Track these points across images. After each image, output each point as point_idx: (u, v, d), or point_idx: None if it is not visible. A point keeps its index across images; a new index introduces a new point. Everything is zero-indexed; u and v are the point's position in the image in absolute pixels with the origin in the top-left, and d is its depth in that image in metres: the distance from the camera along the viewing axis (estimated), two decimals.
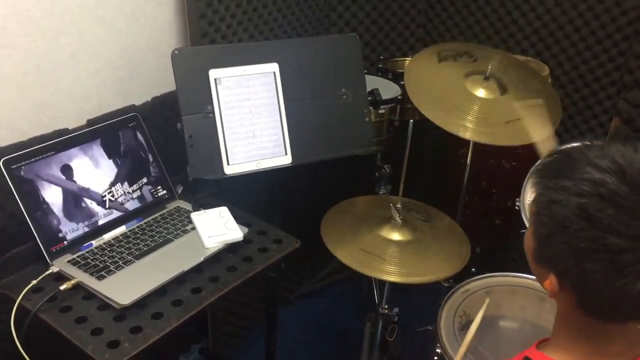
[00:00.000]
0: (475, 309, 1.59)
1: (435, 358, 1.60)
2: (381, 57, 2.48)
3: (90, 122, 1.67)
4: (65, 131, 1.60)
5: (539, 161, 0.88)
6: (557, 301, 0.90)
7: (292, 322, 2.55)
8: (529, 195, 1.86)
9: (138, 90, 1.85)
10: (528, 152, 2.21)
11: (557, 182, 0.80)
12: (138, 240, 1.47)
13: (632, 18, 2.15)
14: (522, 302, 1.70)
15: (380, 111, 2.04)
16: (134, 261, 1.40)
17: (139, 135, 1.63)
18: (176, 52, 1.59)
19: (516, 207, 1.87)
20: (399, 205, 1.69)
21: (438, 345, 1.58)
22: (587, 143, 0.83)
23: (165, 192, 1.64)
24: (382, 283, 1.94)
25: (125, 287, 1.30)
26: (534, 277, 1.73)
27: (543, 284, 0.87)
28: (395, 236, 1.68)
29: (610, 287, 0.76)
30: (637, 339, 0.87)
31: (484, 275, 1.77)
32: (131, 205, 1.57)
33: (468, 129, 1.69)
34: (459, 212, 2.04)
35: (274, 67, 1.68)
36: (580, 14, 2.25)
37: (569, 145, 0.90)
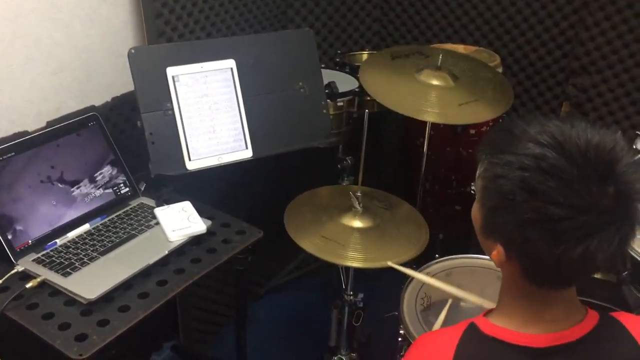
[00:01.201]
0: (436, 292, 1.65)
1: (400, 339, 1.65)
2: (339, 52, 2.53)
3: (50, 124, 1.68)
4: (24, 133, 1.61)
5: (484, 139, 0.94)
6: (502, 271, 0.95)
7: (263, 316, 2.58)
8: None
9: (97, 91, 1.86)
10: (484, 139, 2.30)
11: (502, 157, 0.85)
12: (102, 237, 1.49)
13: (576, 7, 2.24)
14: (482, 282, 1.77)
15: (338, 104, 2.09)
16: (99, 257, 1.42)
17: (100, 134, 1.65)
18: (133, 51, 1.61)
19: (472, 192, 1.94)
20: (358, 194, 1.74)
21: (401, 326, 1.63)
22: (528, 119, 0.89)
23: (128, 189, 1.66)
24: (348, 271, 1.99)
25: (91, 282, 1.33)
26: (487, 257, 1.82)
27: (490, 255, 0.92)
28: (357, 224, 1.73)
29: (551, 254, 0.82)
30: (572, 307, 0.93)
31: (444, 259, 1.83)
32: (94, 203, 1.58)
33: (425, 112, 1.76)
34: (419, 199, 2.11)
35: (230, 63, 1.72)
36: (527, 4, 2.34)
37: (510, 121, 0.96)
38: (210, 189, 1.81)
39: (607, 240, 0.81)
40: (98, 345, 1.19)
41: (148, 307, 1.30)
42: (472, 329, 0.93)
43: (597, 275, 1.90)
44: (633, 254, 1.61)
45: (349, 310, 1.95)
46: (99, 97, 1.86)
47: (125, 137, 1.84)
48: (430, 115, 1.77)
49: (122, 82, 1.91)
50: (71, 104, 1.79)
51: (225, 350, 2.39)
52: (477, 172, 0.94)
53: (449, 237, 2.47)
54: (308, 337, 2.52)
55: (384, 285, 2.32)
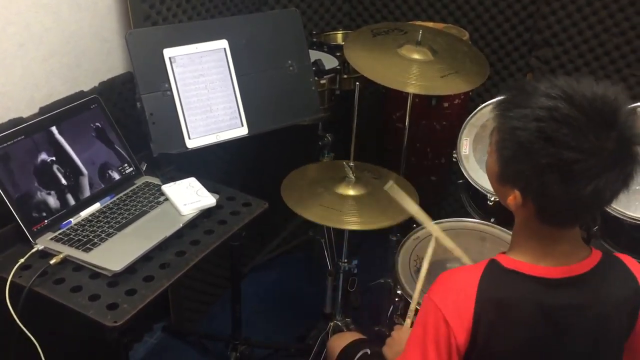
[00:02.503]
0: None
1: (397, 299, 1.76)
2: (314, 32, 2.60)
3: (43, 110, 1.70)
4: (20, 120, 1.63)
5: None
6: (516, 215, 1.06)
7: (250, 293, 2.64)
8: (464, 148, 2.05)
9: (85, 76, 1.88)
10: (456, 112, 2.43)
11: (517, 111, 0.96)
12: (115, 215, 1.53)
13: None
14: (466, 244, 1.88)
15: (322, 81, 2.17)
16: (116, 233, 1.47)
17: (102, 116, 1.68)
18: (130, 33, 1.65)
19: (454, 159, 2.06)
20: (351, 164, 1.83)
21: (398, 287, 1.74)
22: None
23: (132, 169, 1.70)
24: (338, 240, 2.08)
25: (113, 255, 1.37)
26: (473, 219, 1.94)
27: (507, 200, 1.03)
28: (351, 192, 1.83)
29: (566, 193, 0.93)
30: (578, 244, 1.06)
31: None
32: (102, 183, 1.62)
33: (409, 85, 1.86)
34: (402, 169, 2.21)
35: (223, 43, 1.77)
36: None
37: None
38: (201, 167, 1.86)
39: (614, 179, 0.93)
40: (130, 313, 1.24)
41: (171, 275, 1.36)
42: (493, 264, 1.05)
43: None
44: (607, 208, 1.76)
45: (343, 276, 2.04)
46: (87, 82, 1.88)
47: (114, 121, 1.87)
48: (415, 87, 1.87)
49: (107, 67, 1.94)
50: (61, 90, 1.80)
51: (218, 327, 2.45)
52: (491, 128, 1.05)
53: (424, 206, 2.59)
54: (296, 309, 2.61)
55: (365, 254, 2.43)
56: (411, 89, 1.88)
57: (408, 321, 1.43)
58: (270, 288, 2.73)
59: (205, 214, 1.58)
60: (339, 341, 1.65)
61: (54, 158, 1.52)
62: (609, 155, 0.91)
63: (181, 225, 1.50)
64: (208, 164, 1.87)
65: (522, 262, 1.03)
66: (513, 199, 1.01)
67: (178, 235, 1.49)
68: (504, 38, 2.54)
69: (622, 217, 1.73)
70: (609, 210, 1.75)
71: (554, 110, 0.92)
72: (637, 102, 1.90)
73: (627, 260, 1.09)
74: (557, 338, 1.03)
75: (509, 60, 2.57)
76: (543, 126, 0.92)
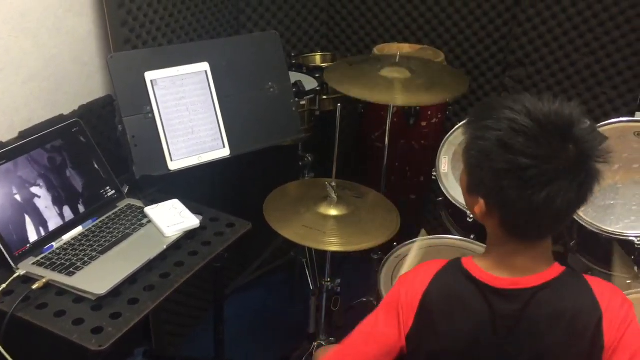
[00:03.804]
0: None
1: None
2: (292, 54, 2.64)
3: (22, 134, 1.69)
4: None
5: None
6: (485, 224, 1.11)
7: (231, 315, 2.62)
8: (443, 166, 2.09)
9: (65, 100, 1.88)
10: (434, 131, 2.48)
11: (482, 123, 1.03)
12: (97, 238, 1.53)
13: (509, 5, 2.45)
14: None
15: (302, 102, 2.19)
16: (99, 256, 1.46)
17: (83, 140, 1.68)
18: (112, 57, 1.66)
19: (433, 177, 2.09)
20: (333, 184, 1.85)
21: None
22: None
23: (114, 192, 1.70)
24: (319, 260, 2.09)
25: (97, 279, 1.36)
26: (453, 236, 1.97)
27: (474, 210, 1.08)
28: (333, 212, 1.84)
29: (521, 198, 0.99)
30: (542, 259, 1.09)
31: (411, 241, 1.97)
32: (84, 207, 1.61)
33: (396, 98, 1.94)
34: (382, 188, 2.24)
35: (205, 66, 1.79)
36: (464, 4, 2.53)
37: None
38: (186, 188, 1.87)
39: (566, 187, 0.98)
40: (115, 336, 1.24)
41: (156, 298, 1.36)
42: (455, 261, 1.12)
43: None
44: (582, 222, 1.80)
45: (326, 296, 2.05)
46: (67, 106, 1.88)
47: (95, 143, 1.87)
48: (402, 99, 1.94)
49: (87, 91, 1.94)
50: (41, 114, 1.80)
51: (199, 350, 2.43)
52: (442, 165, 1.12)
53: (404, 225, 2.62)
54: (280, 329, 2.60)
55: (347, 274, 2.45)
56: (399, 102, 1.95)
57: None
58: (253, 309, 2.72)
59: (189, 236, 1.58)
60: (323, 354, 1.66)
61: (34, 182, 1.51)
62: (563, 164, 0.97)
63: (165, 247, 1.50)
64: (190, 186, 1.87)
65: (479, 267, 1.09)
66: (479, 207, 1.06)
67: (162, 257, 1.49)
68: (479, 59, 2.60)
69: (598, 231, 1.77)
70: (585, 225, 1.79)
71: (512, 121, 0.99)
72: (609, 119, 1.96)
73: (592, 280, 1.09)
74: (495, 346, 1.07)
75: (484, 80, 2.63)
76: (502, 135, 0.99)
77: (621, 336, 1.05)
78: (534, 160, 0.96)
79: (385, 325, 1.12)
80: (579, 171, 0.98)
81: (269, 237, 2.51)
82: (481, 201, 1.05)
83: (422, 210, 2.75)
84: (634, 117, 2.21)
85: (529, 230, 1.05)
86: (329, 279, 2.04)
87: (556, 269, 1.09)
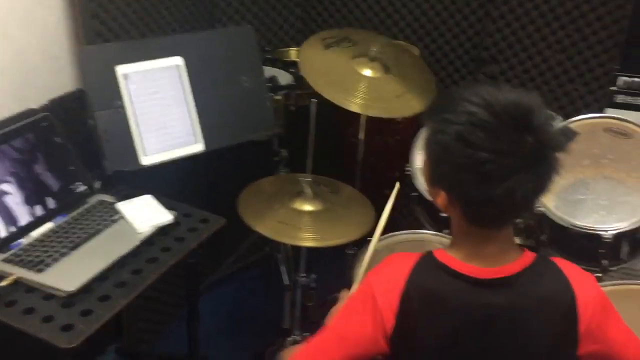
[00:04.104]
0: None
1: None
2: (267, 49, 2.62)
3: None
4: None
5: (428, 108, 1.12)
6: (449, 215, 1.12)
7: (206, 311, 2.60)
8: (417, 162, 2.10)
9: (34, 94, 1.84)
10: (408, 126, 2.48)
11: (442, 116, 1.03)
12: (68, 234, 1.50)
13: (482, 1, 2.47)
14: None
15: (276, 97, 2.18)
16: (70, 252, 1.44)
17: (53, 134, 1.65)
18: (82, 50, 1.63)
19: (407, 172, 2.10)
20: (308, 179, 1.85)
21: None
22: (465, 87, 1.09)
23: (85, 187, 1.67)
24: (295, 255, 2.09)
25: (67, 275, 1.35)
26: (427, 231, 1.98)
27: (437, 201, 1.08)
28: (308, 207, 1.84)
29: (480, 192, 0.99)
30: (509, 247, 1.10)
31: (386, 236, 1.97)
32: (54, 203, 1.59)
33: (360, 105, 1.91)
34: (358, 183, 2.24)
35: (178, 60, 1.77)
36: (439, 0, 2.54)
37: (450, 90, 1.16)
38: (158, 183, 1.85)
39: (525, 180, 0.98)
40: (86, 333, 1.22)
41: (128, 294, 1.34)
42: (429, 255, 1.11)
43: (518, 241, 2.12)
44: (552, 217, 1.83)
45: (301, 291, 2.05)
46: (37, 100, 1.84)
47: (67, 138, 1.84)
48: (374, 109, 1.93)
49: (58, 84, 1.91)
50: (11, 107, 1.76)
51: (172, 348, 2.41)
52: (417, 161, 1.11)
53: (379, 220, 2.63)
54: (254, 326, 2.58)
55: (321, 269, 2.45)
56: (372, 112, 1.94)
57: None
58: (228, 305, 2.71)
59: (162, 232, 1.57)
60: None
61: (2, 177, 1.48)
62: (521, 157, 0.98)
63: (137, 243, 1.49)
64: (164, 181, 1.85)
65: (454, 258, 1.09)
66: (441, 199, 1.07)
67: (134, 253, 1.47)
68: (453, 55, 2.61)
69: (568, 226, 1.79)
70: (555, 220, 1.81)
71: (472, 115, 0.99)
72: (580, 115, 1.98)
73: (563, 264, 1.12)
74: (480, 337, 1.07)
75: (458, 76, 2.64)
76: (461, 130, 0.99)
77: (598, 323, 1.08)
78: (493, 155, 0.96)
79: (359, 326, 1.09)
80: (539, 162, 0.99)
81: (243, 233, 2.50)
82: (442, 193, 1.06)
83: (398, 205, 2.75)
84: (604, 113, 2.24)
85: (490, 220, 1.06)
86: (303, 274, 2.03)
87: (529, 256, 1.10)
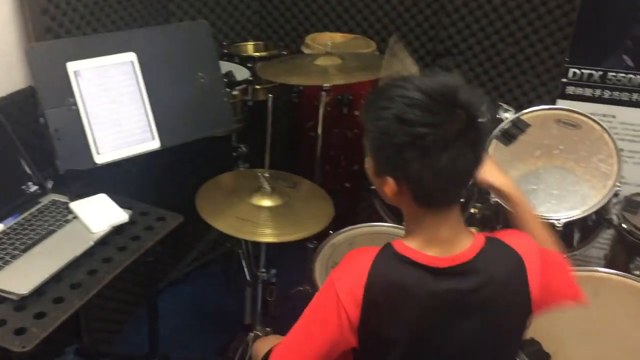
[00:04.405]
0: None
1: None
2: (224, 43, 2.60)
3: None
4: None
5: (363, 104, 1.14)
6: (399, 204, 1.14)
7: (166, 309, 2.59)
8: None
9: None
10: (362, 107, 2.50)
11: (377, 105, 1.07)
12: (20, 235, 1.47)
13: None
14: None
15: (234, 93, 2.17)
16: (22, 254, 1.41)
17: (2, 133, 1.60)
18: (31, 47, 1.59)
19: (365, 167, 2.11)
20: (266, 174, 1.84)
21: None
22: (390, 78, 1.13)
23: (37, 187, 1.64)
24: (255, 251, 2.08)
25: (19, 278, 1.32)
26: (386, 224, 2.00)
27: (385, 191, 1.10)
28: (266, 202, 1.84)
29: (425, 167, 1.03)
30: (460, 230, 1.13)
31: (344, 230, 1.99)
32: (4, 203, 1.55)
33: (330, 78, 1.94)
34: (316, 177, 2.25)
35: (131, 56, 1.74)
36: None
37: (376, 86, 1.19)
38: (115, 181, 1.82)
39: (462, 148, 1.03)
40: (40, 337, 1.20)
41: (83, 295, 1.32)
42: (388, 247, 1.12)
43: (474, 230, 2.16)
44: (507, 207, 1.87)
45: (262, 286, 2.05)
46: None
47: (16, 137, 1.79)
48: (337, 78, 1.94)
49: (8, 82, 1.85)
50: None
51: (132, 347, 2.38)
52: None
53: (339, 213, 2.65)
54: (216, 322, 2.57)
55: (283, 264, 2.45)
56: (334, 81, 1.96)
57: None
58: (189, 302, 2.69)
59: (117, 231, 1.55)
60: (264, 345, 1.66)
61: None
62: (456, 128, 1.03)
63: (92, 243, 1.46)
64: (119, 179, 1.82)
65: (412, 248, 1.10)
66: (389, 187, 1.09)
67: (89, 253, 1.45)
68: (409, 48, 2.63)
69: None
70: (510, 210, 1.85)
71: (405, 97, 1.04)
72: (532, 107, 2.03)
73: (507, 237, 1.17)
74: (446, 324, 1.10)
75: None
76: (397, 112, 1.04)
77: (547, 282, 1.15)
78: (430, 128, 1.01)
79: (326, 325, 1.10)
80: (470, 131, 1.04)
81: (204, 229, 2.49)
82: (390, 180, 1.08)
83: (357, 197, 2.78)
84: (555, 104, 2.30)
85: (438, 197, 1.09)
86: (263, 270, 2.04)
87: (480, 239, 1.13)
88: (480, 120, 1.06)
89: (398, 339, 1.10)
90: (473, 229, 2.11)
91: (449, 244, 1.11)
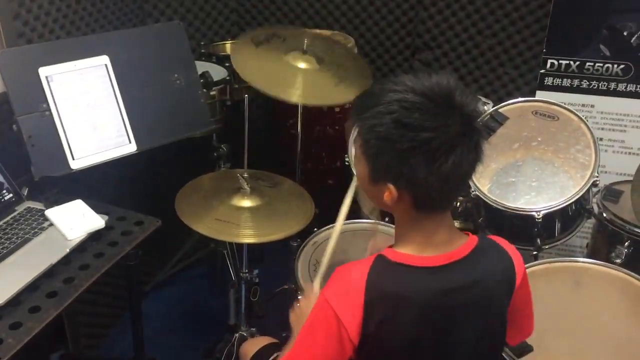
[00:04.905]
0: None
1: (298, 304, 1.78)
2: (202, 43, 2.58)
3: None
4: None
5: (352, 108, 1.12)
6: (395, 210, 1.12)
7: (152, 312, 2.57)
8: (354, 151, 2.11)
9: None
10: (348, 116, 2.49)
11: (372, 111, 1.04)
12: None
13: None
14: (362, 244, 1.94)
15: (211, 93, 2.16)
16: None
17: None
18: (1, 53, 1.57)
19: (346, 163, 2.11)
20: (245, 175, 1.83)
21: (299, 292, 1.76)
22: (380, 81, 1.10)
23: (11, 195, 1.62)
24: (239, 251, 2.07)
25: None
26: (368, 220, 1.99)
27: (382, 199, 1.07)
28: (246, 203, 1.82)
29: (431, 172, 1.01)
30: (454, 232, 1.13)
31: (326, 227, 1.98)
32: None
33: (299, 96, 1.90)
34: (297, 176, 2.24)
35: (104, 59, 1.73)
36: None
37: (367, 88, 1.19)
38: (93, 186, 1.80)
39: (466, 149, 1.02)
40: (16, 347, 1.18)
41: (59, 304, 1.31)
42: (380, 258, 1.10)
43: (457, 225, 2.17)
44: (487, 200, 1.87)
45: (245, 287, 2.04)
46: None
47: None
48: (308, 98, 1.92)
49: None
50: None
51: (118, 351, 2.37)
52: (353, 136, 1.10)
53: (323, 210, 2.65)
54: (202, 323, 2.57)
55: (269, 263, 2.45)
56: (311, 101, 1.96)
57: (317, 285, 1.43)
58: (175, 304, 2.68)
59: (94, 237, 1.53)
60: (251, 346, 1.65)
61: None
62: (457, 129, 1.01)
63: (68, 250, 1.45)
64: (96, 184, 1.81)
65: (407, 254, 1.09)
66: (389, 194, 1.06)
67: (65, 261, 1.44)
68: (388, 42, 2.64)
69: (501, 207, 1.84)
70: (490, 203, 1.86)
71: (402, 101, 1.01)
72: (511, 98, 2.03)
73: (500, 241, 1.19)
74: (448, 321, 1.09)
75: (394, 63, 2.67)
76: (397, 116, 1.00)
77: (519, 293, 1.17)
78: (434, 132, 0.99)
79: (326, 345, 1.07)
80: (471, 132, 1.03)
81: (188, 231, 2.47)
82: (390, 187, 1.05)
83: (340, 194, 2.77)
84: (534, 95, 2.30)
85: (440, 201, 1.08)
86: (246, 270, 2.03)
87: (473, 238, 1.14)
88: (477, 121, 1.05)
89: (400, 346, 1.09)
90: (456, 223, 2.14)
91: (444, 245, 1.10)
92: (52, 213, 1.56)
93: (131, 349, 1.99)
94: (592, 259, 1.75)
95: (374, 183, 1.09)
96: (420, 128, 0.99)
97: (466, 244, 1.11)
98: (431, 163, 1.00)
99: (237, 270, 2.06)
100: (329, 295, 1.07)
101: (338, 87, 1.97)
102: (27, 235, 1.50)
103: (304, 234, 1.98)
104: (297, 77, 1.95)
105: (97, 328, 2.42)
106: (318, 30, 2.63)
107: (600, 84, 2.24)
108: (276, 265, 2.38)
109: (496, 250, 1.16)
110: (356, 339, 1.06)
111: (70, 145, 1.64)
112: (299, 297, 1.68)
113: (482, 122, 1.92)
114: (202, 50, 2.50)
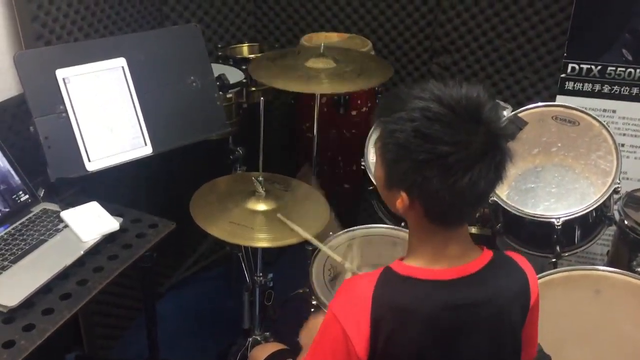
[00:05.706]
0: (340, 264, 1.78)
1: (312, 310, 1.76)
2: (219, 46, 2.59)
3: None
4: None
5: (376, 108, 1.09)
6: (408, 218, 1.10)
7: (168, 313, 2.58)
8: (371, 155, 2.09)
9: None
10: (364, 120, 2.48)
11: (394, 116, 1.01)
12: (10, 246, 1.45)
13: None
14: (379, 250, 1.93)
15: (228, 95, 2.15)
16: (11, 265, 1.39)
17: None
18: (19, 55, 1.58)
19: (362, 167, 2.10)
20: (260, 178, 1.82)
21: (313, 297, 1.75)
22: (409, 85, 1.08)
23: (27, 196, 1.62)
24: (254, 255, 2.07)
25: (8, 290, 1.30)
26: (384, 225, 1.98)
27: (395, 204, 1.06)
28: (261, 207, 1.81)
29: (445, 187, 0.98)
30: (468, 245, 1.10)
31: (342, 232, 1.97)
32: None
33: (321, 87, 1.94)
34: (313, 180, 2.23)
35: (121, 61, 1.73)
36: None
37: (395, 90, 1.13)
38: (108, 188, 1.80)
39: (486, 168, 0.98)
40: (28, 350, 1.18)
41: (72, 306, 1.31)
42: (388, 271, 1.08)
43: (474, 230, 2.14)
44: (505, 206, 1.84)
45: (259, 291, 2.03)
46: None
47: (8, 145, 1.78)
48: (325, 87, 1.93)
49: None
50: None
51: (133, 353, 2.37)
52: (375, 137, 1.08)
53: (339, 214, 2.63)
54: (217, 326, 2.57)
55: (283, 266, 2.43)
56: (324, 90, 1.95)
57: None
58: (189, 306, 2.68)
59: (108, 239, 1.53)
60: (261, 352, 1.64)
61: None
62: (479, 147, 0.97)
63: (82, 252, 1.45)
64: (112, 186, 1.81)
65: (417, 267, 1.07)
66: (401, 201, 1.04)
67: (79, 263, 1.44)
68: (406, 46, 2.61)
69: (520, 214, 1.81)
70: (508, 209, 1.83)
71: (426, 110, 0.98)
72: (531, 103, 2.00)
73: (517, 257, 1.15)
74: (456, 337, 1.06)
75: (412, 67, 2.65)
76: (417, 125, 0.98)
77: (530, 315, 1.14)
78: (453, 147, 0.96)
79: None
80: (495, 152, 0.99)
81: (203, 233, 2.47)
82: (403, 194, 1.03)
83: (357, 199, 2.76)
84: (555, 100, 2.27)
85: (453, 216, 1.05)
86: (261, 274, 2.02)
87: (488, 253, 1.11)
88: (503, 139, 1.00)
89: (409, 358, 1.06)
90: (473, 229, 2.11)
91: (456, 259, 1.07)
92: (67, 215, 1.57)
93: (146, 351, 2.00)
94: (613, 267, 1.71)
95: (388, 188, 1.08)
96: (439, 141, 0.96)
97: (479, 258, 1.08)
98: (446, 178, 0.97)
99: (252, 273, 2.04)
100: (335, 310, 1.06)
101: (360, 77, 2.00)
102: (43, 237, 1.50)
103: (318, 239, 1.96)
104: (319, 73, 1.98)
105: (113, 329, 2.42)
106: (335, 34, 2.62)
107: (622, 89, 2.20)
108: (291, 268, 2.37)
109: (511, 266, 1.12)
110: (364, 355, 1.04)
111: (86, 147, 1.65)
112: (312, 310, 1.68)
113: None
114: (219, 53, 2.50)
